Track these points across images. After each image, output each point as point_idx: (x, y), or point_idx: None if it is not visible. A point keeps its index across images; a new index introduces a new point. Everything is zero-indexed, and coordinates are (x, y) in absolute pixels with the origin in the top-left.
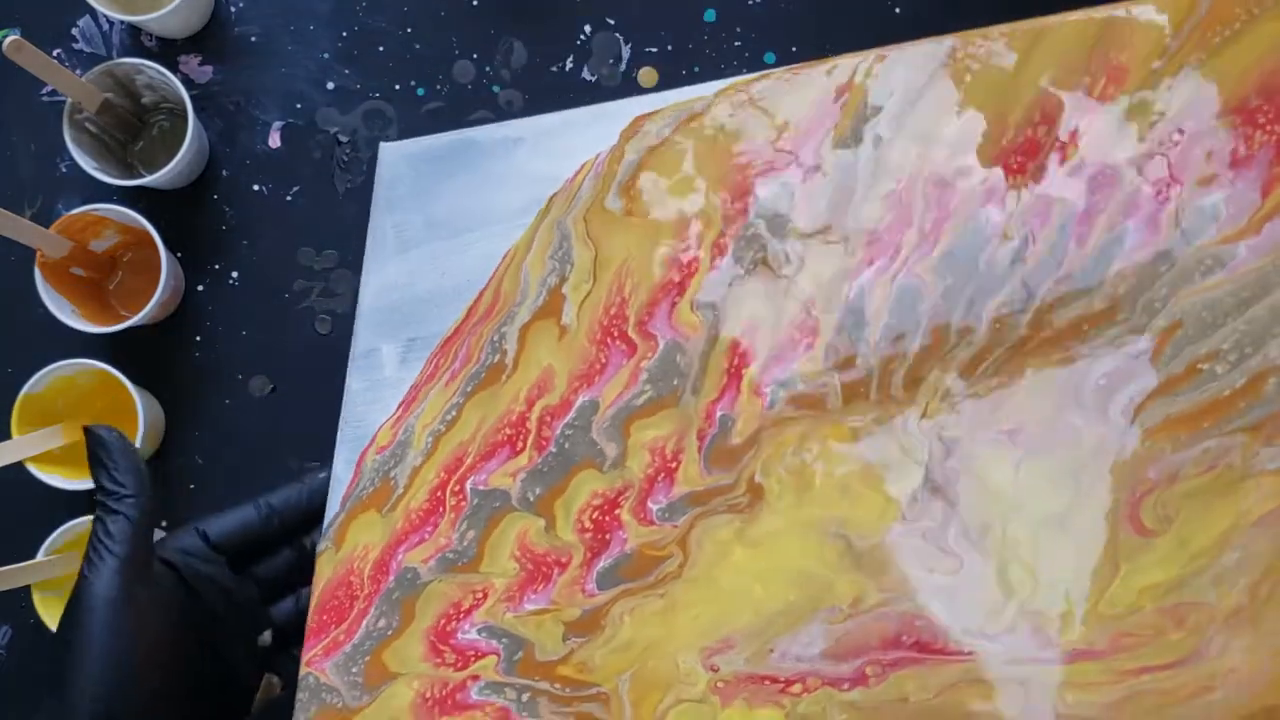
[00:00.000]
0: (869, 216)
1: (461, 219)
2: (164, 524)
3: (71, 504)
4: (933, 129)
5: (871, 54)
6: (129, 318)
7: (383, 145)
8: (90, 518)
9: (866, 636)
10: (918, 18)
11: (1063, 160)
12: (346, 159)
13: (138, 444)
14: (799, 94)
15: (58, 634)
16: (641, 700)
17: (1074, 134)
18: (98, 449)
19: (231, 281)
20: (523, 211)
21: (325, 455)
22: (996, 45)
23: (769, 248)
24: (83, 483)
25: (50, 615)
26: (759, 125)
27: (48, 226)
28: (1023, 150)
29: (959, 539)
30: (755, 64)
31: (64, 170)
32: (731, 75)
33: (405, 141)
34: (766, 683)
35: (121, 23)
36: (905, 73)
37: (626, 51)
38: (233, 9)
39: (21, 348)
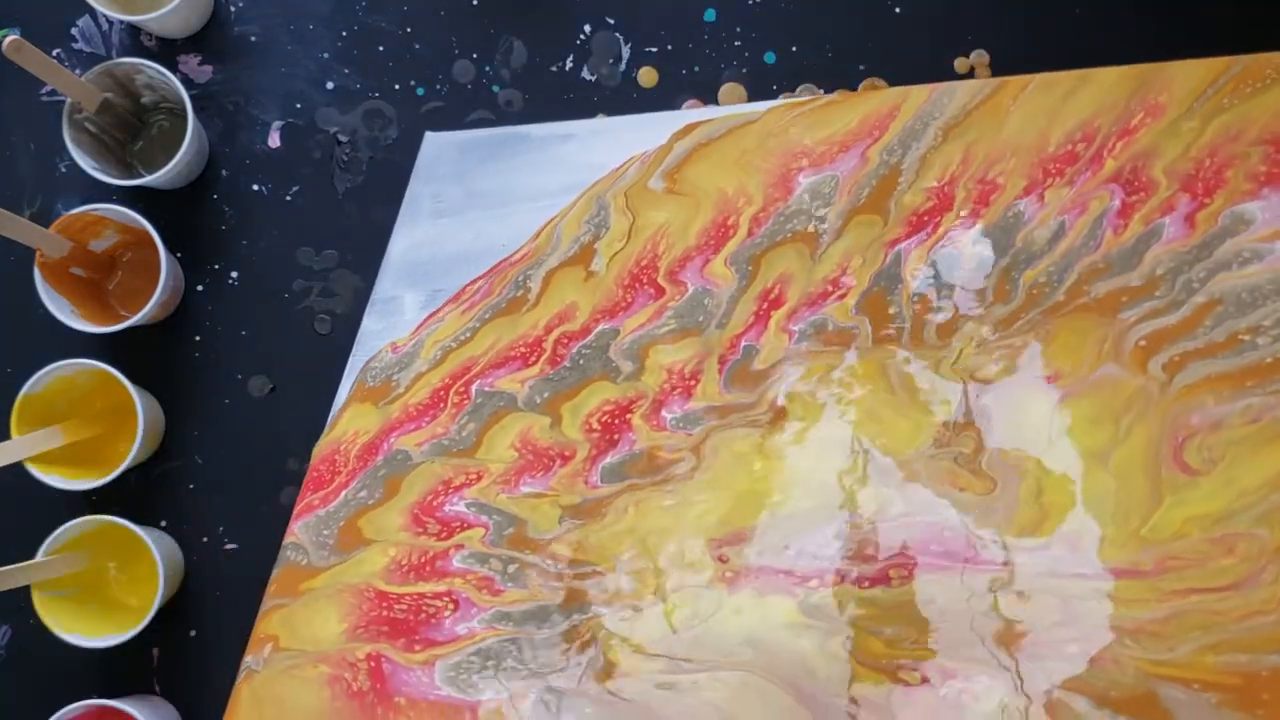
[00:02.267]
0: (910, 204)
1: (502, 193)
2: (163, 524)
3: (71, 504)
4: (978, 139)
5: (923, 87)
6: (129, 318)
7: (428, 134)
8: (89, 518)
9: (890, 542)
10: (918, 18)
11: (1099, 169)
12: (346, 159)
13: (137, 444)
14: (850, 111)
15: None
16: (640, 581)
17: (1111, 149)
18: None
19: (231, 281)
20: (565, 191)
21: None
22: (1041, 83)
23: (809, 221)
24: (83, 483)
25: (50, 615)
26: (809, 132)
27: (47, 226)
28: (1062, 159)
29: (993, 464)
30: (755, 64)
31: (63, 170)
32: (732, 75)
33: (451, 133)
34: (780, 575)
35: (121, 22)
36: (953, 99)
37: (626, 51)
38: (232, 9)
39: (21, 348)
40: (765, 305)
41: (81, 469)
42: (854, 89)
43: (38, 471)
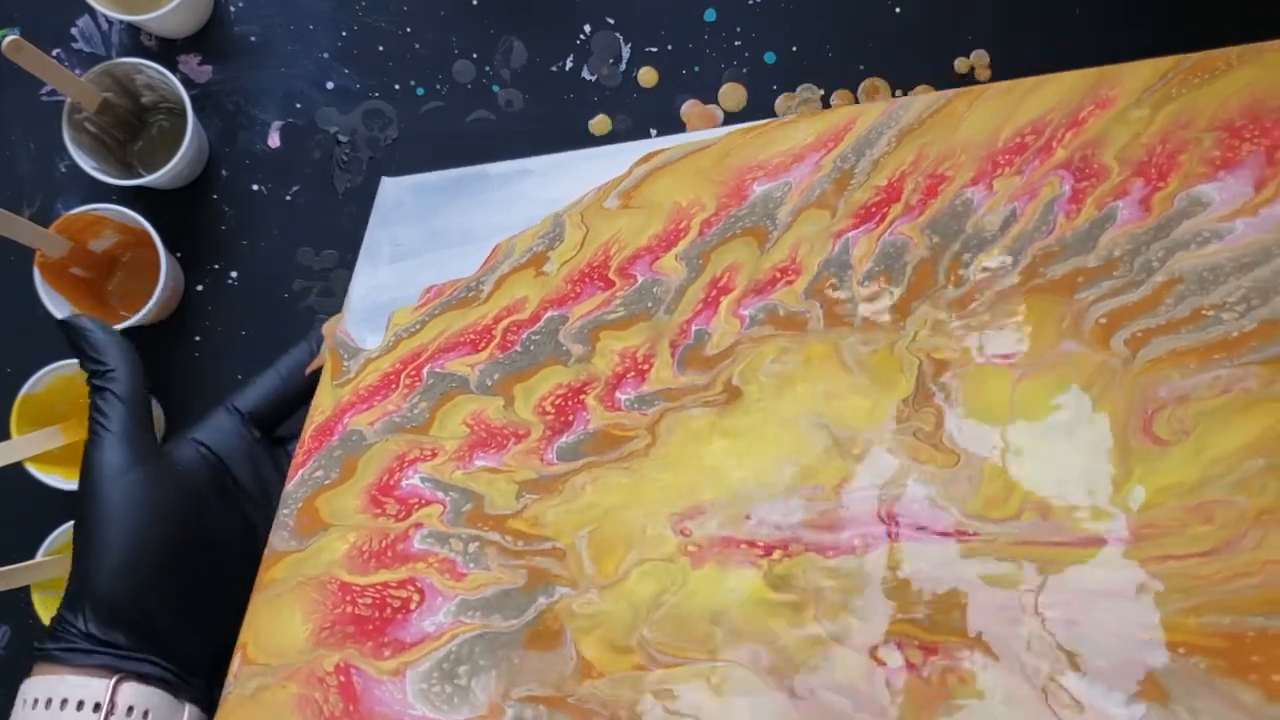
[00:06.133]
0: (860, 199)
1: (461, 232)
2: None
3: (71, 504)
4: (931, 141)
5: (876, 104)
6: (128, 318)
7: (384, 179)
8: None
9: (853, 513)
10: (918, 18)
11: (1048, 157)
12: (346, 159)
13: None
14: (808, 128)
15: (75, 514)
16: (602, 557)
17: (1061, 138)
18: (73, 335)
19: (231, 281)
20: (525, 226)
21: None
22: (997, 89)
23: (759, 219)
24: None
25: (50, 615)
26: (767, 149)
27: (47, 226)
28: (1011, 150)
29: (954, 439)
30: (755, 64)
31: (63, 170)
32: (732, 75)
33: (408, 176)
34: (743, 546)
35: (121, 22)
36: (909, 110)
37: (626, 51)
38: (232, 9)
39: (21, 348)
40: (715, 292)
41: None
42: (854, 89)
43: (38, 471)
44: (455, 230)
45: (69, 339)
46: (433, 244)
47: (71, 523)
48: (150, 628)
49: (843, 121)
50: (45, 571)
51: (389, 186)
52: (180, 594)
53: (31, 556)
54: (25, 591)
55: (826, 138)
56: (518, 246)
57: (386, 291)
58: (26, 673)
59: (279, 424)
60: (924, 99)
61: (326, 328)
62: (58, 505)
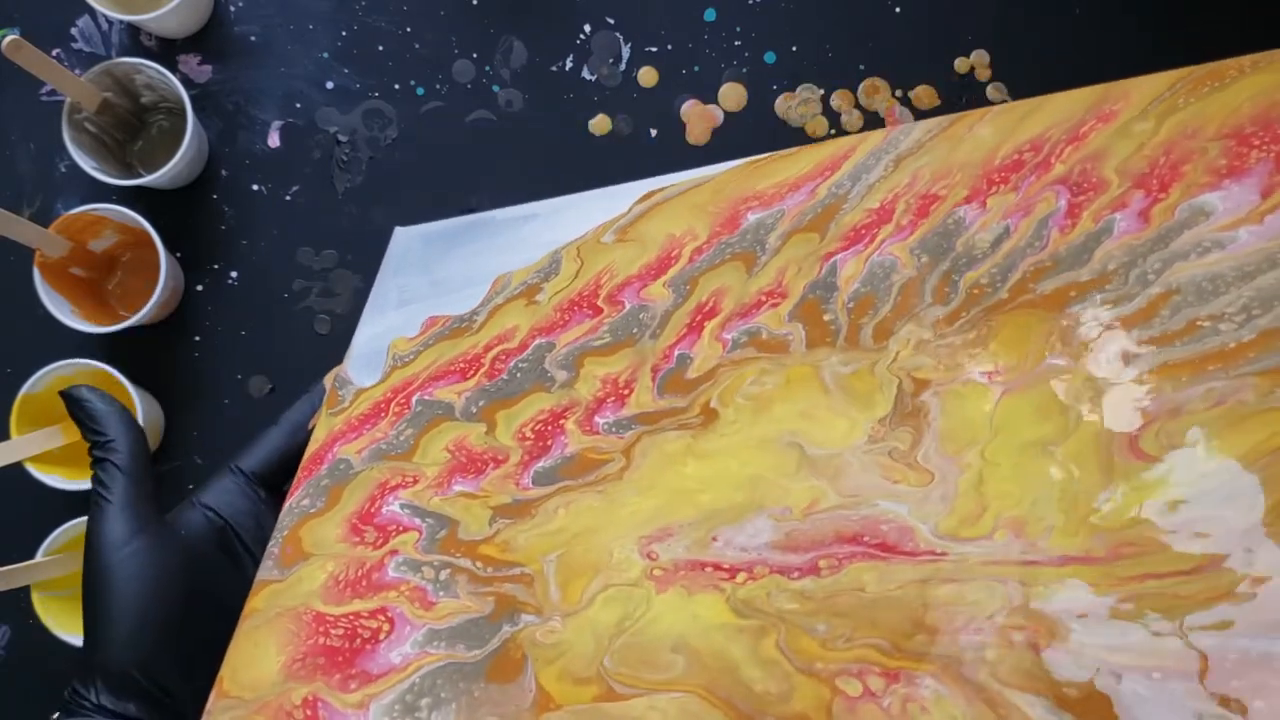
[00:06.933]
0: (850, 222)
1: (465, 278)
2: None
3: (71, 504)
4: (928, 163)
5: (877, 132)
6: (128, 317)
7: (397, 230)
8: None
9: (820, 533)
10: (918, 18)
11: (1045, 173)
12: (346, 159)
13: None
14: (807, 158)
15: (83, 588)
16: (568, 583)
17: (1060, 154)
18: (73, 407)
19: (231, 281)
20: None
21: None
22: (998, 110)
23: (749, 245)
24: (82, 483)
25: (50, 615)
26: (764, 180)
27: (47, 226)
28: (1007, 168)
29: (929, 457)
30: (755, 64)
31: (63, 170)
32: (732, 75)
33: (418, 226)
34: (708, 569)
35: (121, 22)
36: (908, 136)
37: (626, 51)
38: (232, 9)
39: (21, 348)
40: (699, 316)
41: (81, 469)
42: (854, 89)
43: (38, 471)
44: (459, 276)
45: (70, 409)
46: (436, 290)
47: (72, 523)
48: (161, 696)
49: (842, 150)
50: (45, 571)
51: (400, 236)
52: (190, 659)
53: (31, 556)
54: (25, 591)
55: (824, 166)
56: (514, 280)
57: (389, 336)
58: (26, 673)
59: (284, 481)
60: (923, 125)
61: (328, 380)
62: (58, 505)
